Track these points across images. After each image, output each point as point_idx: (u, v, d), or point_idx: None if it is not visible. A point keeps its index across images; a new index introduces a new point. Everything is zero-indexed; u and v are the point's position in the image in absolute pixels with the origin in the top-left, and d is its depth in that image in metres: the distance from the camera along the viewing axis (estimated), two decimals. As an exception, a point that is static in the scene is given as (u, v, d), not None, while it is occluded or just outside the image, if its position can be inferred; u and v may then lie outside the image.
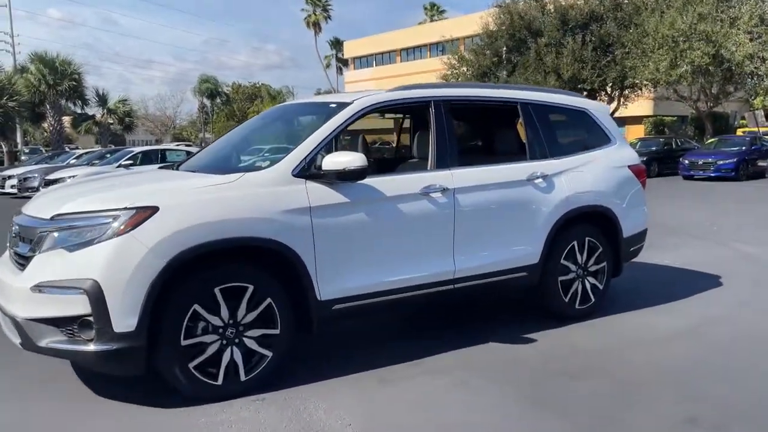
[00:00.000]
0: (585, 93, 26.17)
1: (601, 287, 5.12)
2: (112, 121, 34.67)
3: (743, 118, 39.49)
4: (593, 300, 5.07)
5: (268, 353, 3.62)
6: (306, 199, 3.70)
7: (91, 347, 3.18)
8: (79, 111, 34.87)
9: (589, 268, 5.05)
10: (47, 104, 32.50)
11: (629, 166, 5.37)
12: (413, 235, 4.10)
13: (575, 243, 4.94)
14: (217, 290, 3.43)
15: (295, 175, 3.74)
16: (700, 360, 4.11)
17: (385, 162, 5.72)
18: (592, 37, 27.49)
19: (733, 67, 24.91)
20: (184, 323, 3.34)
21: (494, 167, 4.61)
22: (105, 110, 34.29)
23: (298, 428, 3.17)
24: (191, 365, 3.37)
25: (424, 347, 4.32)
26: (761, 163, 21.12)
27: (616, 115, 26.75)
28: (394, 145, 6.74)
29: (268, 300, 3.59)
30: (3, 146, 33.19)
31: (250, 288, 3.53)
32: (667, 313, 5.18)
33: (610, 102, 29.57)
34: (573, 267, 4.96)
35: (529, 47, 28.58)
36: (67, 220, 3.31)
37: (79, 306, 3.16)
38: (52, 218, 3.35)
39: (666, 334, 4.65)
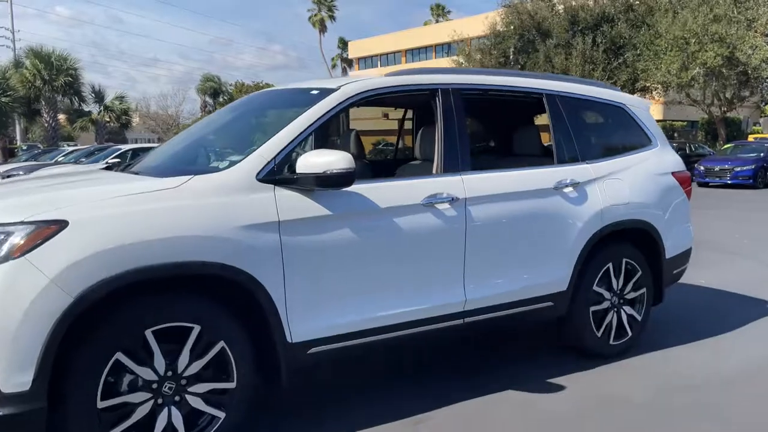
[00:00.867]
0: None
1: (639, 318, 4.24)
2: (108, 119, 33.73)
3: (756, 124, 38.64)
4: (630, 334, 4.19)
5: (220, 414, 2.75)
6: (274, 211, 2.83)
7: (-32, 413, 2.32)
8: (75, 107, 33.96)
9: (625, 295, 4.17)
10: (42, 100, 31.67)
11: (673, 173, 4.49)
12: (414, 258, 3.23)
13: (610, 265, 4.06)
14: (148, 333, 2.57)
15: (260, 180, 2.87)
16: (776, 421, 3.24)
17: (380, 164, 4.84)
18: (602, 39, 26.61)
19: (749, 71, 24.04)
20: (102, 378, 2.48)
21: (515, 172, 3.74)
22: (102, 107, 33.39)
23: None
24: (112, 434, 2.51)
25: (425, 400, 3.45)
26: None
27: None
28: (400, 145, 5.84)
29: (221, 344, 2.72)
30: (-2, 142, 32.40)
31: (195, 329, 2.67)
32: (716, 349, 4.30)
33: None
34: (607, 294, 4.08)
35: (537, 48, 27.73)
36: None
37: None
38: None
39: (721, 377, 3.78)
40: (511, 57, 28.93)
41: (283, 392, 3.33)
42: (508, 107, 4.53)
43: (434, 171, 3.45)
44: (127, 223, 2.50)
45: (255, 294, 2.76)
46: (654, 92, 28.26)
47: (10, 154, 29.71)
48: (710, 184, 19.60)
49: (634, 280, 4.19)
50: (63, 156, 19.68)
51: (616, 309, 4.13)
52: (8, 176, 14.70)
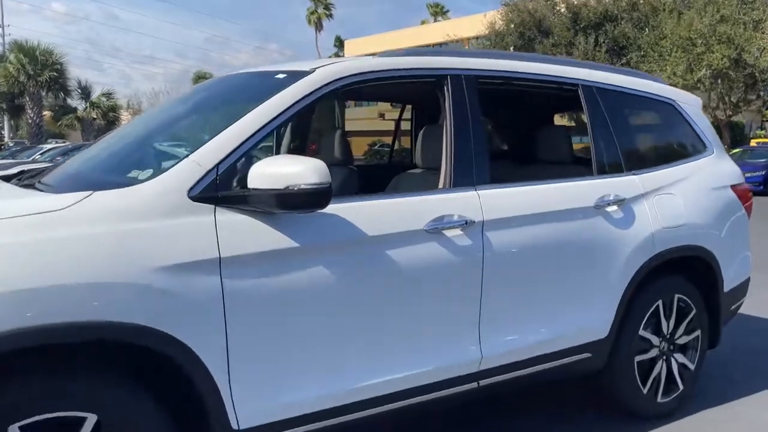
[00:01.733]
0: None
1: (692, 367, 3.39)
2: (95, 116, 32.60)
3: (760, 128, 37.94)
4: (681, 388, 3.34)
5: None
6: (213, 244, 1.96)
7: None
8: (60, 104, 32.88)
9: (677, 340, 3.32)
10: (26, 96, 30.63)
11: (732, 186, 3.64)
12: (412, 305, 2.36)
13: (660, 304, 3.21)
14: (14, 428, 1.70)
15: (194, 198, 2.00)
16: None
17: (372, 171, 3.94)
18: (605, 38, 25.83)
19: (757, 74, 23.28)
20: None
21: (545, 186, 2.86)
22: (88, 104, 32.28)
23: None
24: None
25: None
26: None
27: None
28: (396, 147, 4.97)
29: (129, 440, 1.85)
30: (-20, 139, 31.42)
31: (91, 419, 1.80)
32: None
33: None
34: (655, 340, 3.23)
35: (536, 48, 26.94)
36: None
37: None
38: None
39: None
40: (510, 56, 28.14)
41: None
42: (535, 101, 3.65)
43: (441, 184, 2.57)
44: None
45: (182, 366, 1.89)
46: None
47: (-4, 152, 28.73)
48: (718, 190, 18.79)
49: (687, 320, 3.33)
50: (40, 154, 18.80)
51: (665, 357, 3.28)
52: None
